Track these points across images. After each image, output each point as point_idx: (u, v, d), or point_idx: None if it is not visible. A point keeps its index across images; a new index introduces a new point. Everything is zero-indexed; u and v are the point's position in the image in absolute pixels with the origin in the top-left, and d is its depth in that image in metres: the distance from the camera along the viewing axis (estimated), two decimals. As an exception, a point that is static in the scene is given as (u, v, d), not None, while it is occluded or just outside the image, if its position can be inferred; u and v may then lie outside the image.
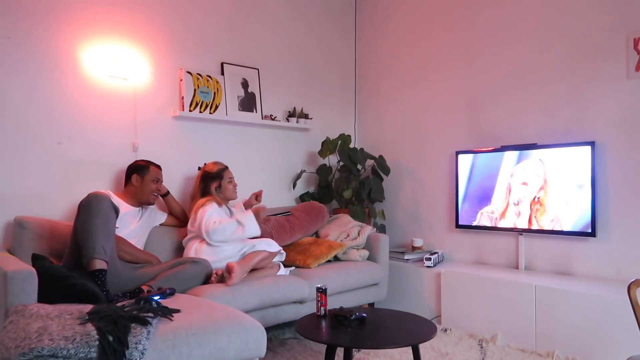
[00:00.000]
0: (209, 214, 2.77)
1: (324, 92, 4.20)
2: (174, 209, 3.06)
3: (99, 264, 2.18)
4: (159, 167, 2.91)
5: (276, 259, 2.92)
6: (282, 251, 2.95)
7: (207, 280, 2.62)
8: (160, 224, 2.98)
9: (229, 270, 2.57)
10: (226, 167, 3.04)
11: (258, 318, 2.49)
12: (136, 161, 2.89)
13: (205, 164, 3.09)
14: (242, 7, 3.64)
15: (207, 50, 3.43)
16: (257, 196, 3.12)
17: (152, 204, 2.89)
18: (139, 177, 2.80)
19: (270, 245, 2.83)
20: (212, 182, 2.96)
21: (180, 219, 3.07)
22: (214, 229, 2.69)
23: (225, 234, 2.71)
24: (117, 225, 2.44)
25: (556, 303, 2.72)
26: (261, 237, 2.96)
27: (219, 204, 2.91)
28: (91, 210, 2.27)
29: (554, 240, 3.14)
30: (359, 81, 4.43)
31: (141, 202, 2.83)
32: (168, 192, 3.02)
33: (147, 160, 2.90)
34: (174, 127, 3.27)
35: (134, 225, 2.75)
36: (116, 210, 2.39)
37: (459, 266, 3.40)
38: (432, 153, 3.84)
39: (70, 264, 2.28)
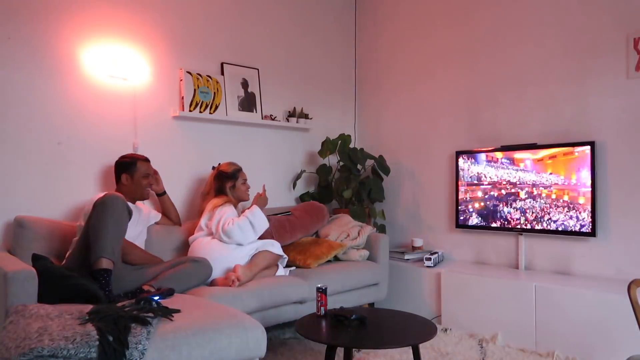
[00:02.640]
0: (228, 215, 2.81)
1: (324, 92, 4.20)
2: (169, 210, 3.04)
3: (106, 264, 2.18)
4: (146, 159, 2.84)
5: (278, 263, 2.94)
6: (285, 255, 2.96)
7: (208, 279, 2.63)
8: (155, 223, 2.98)
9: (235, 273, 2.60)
10: (240, 169, 3.09)
11: (258, 318, 2.49)
12: (121, 157, 2.81)
13: (219, 163, 3.13)
14: (242, 7, 3.64)
15: (207, 50, 3.43)
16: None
17: (147, 198, 2.87)
18: (129, 176, 2.76)
19: (274, 246, 2.85)
20: (227, 181, 3.01)
21: (174, 221, 3.07)
22: (231, 228, 2.73)
23: (245, 234, 2.77)
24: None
25: (556, 303, 2.72)
26: (264, 237, 2.97)
27: (234, 206, 2.96)
28: (105, 210, 2.27)
29: (554, 240, 3.14)
30: (359, 81, 4.43)
31: (135, 198, 2.81)
32: (165, 192, 3.02)
33: (132, 156, 2.82)
34: (174, 127, 3.27)
35: (135, 226, 2.74)
36: (130, 213, 2.38)
37: (459, 266, 3.40)
38: (432, 153, 3.84)
39: (76, 261, 2.29)
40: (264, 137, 3.75)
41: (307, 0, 4.06)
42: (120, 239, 2.31)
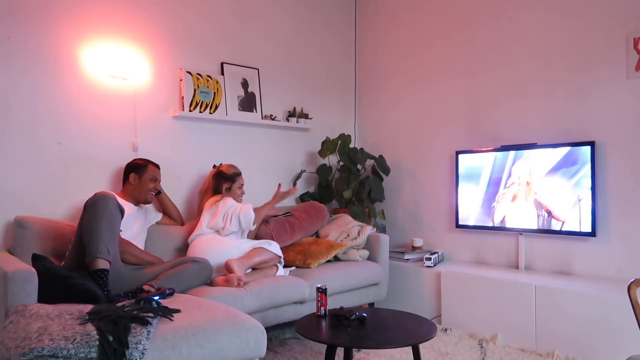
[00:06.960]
0: (230, 205, 2.91)
1: (324, 92, 4.20)
2: (168, 207, 3.06)
3: (102, 264, 2.18)
4: (157, 166, 2.91)
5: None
6: (282, 259, 2.96)
7: (209, 280, 2.63)
8: (156, 222, 2.99)
9: (227, 269, 2.59)
10: (240, 173, 3.13)
11: (258, 318, 2.49)
12: (135, 160, 2.89)
13: (221, 163, 3.17)
14: (242, 7, 3.64)
15: (207, 50, 3.43)
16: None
17: (150, 202, 2.90)
18: (137, 176, 2.81)
19: (271, 245, 2.85)
20: (224, 182, 3.05)
21: (174, 219, 3.08)
22: (243, 213, 2.87)
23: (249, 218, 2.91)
24: (121, 229, 2.44)
25: (556, 303, 2.72)
26: (263, 237, 2.97)
27: None
28: (97, 209, 2.27)
29: (554, 240, 3.14)
30: (359, 81, 4.43)
31: (139, 201, 2.84)
32: (161, 191, 3.03)
33: (145, 159, 2.90)
34: (174, 127, 3.27)
35: (136, 226, 2.75)
36: (121, 211, 2.39)
37: (459, 266, 3.40)
38: (432, 153, 3.84)
39: (72, 263, 2.29)
40: (264, 137, 3.75)
41: (307, 0, 4.06)
42: (114, 237, 2.31)
